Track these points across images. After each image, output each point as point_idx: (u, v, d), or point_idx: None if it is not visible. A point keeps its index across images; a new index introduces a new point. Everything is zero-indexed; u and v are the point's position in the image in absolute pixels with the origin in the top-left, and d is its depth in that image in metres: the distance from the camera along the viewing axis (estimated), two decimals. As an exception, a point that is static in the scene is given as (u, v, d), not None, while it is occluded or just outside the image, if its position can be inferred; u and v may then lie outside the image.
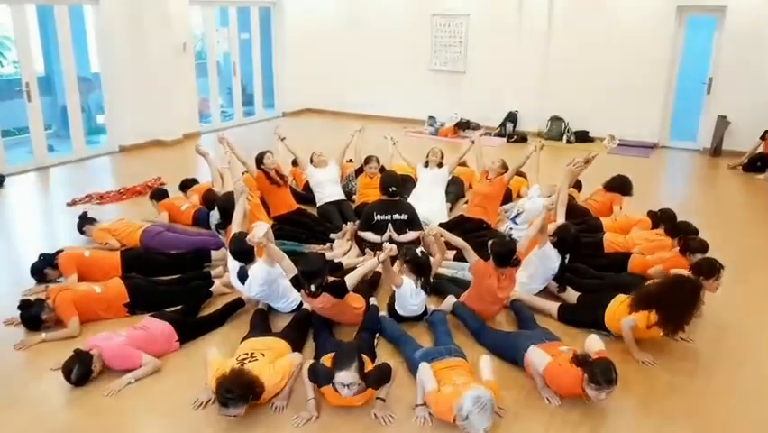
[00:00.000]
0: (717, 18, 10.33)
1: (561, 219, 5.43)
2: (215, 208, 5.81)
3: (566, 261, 5.04)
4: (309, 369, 3.69)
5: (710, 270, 4.67)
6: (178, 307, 4.80)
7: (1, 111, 10.84)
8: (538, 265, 4.99)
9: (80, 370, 3.88)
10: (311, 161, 7.13)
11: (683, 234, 5.38)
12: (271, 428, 3.59)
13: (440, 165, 7.04)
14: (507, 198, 7.06)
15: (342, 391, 3.48)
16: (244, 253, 4.62)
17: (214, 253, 5.74)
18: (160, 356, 4.19)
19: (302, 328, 4.50)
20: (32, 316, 4.52)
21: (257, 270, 4.56)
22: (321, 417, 3.64)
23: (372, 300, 4.84)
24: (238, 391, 3.47)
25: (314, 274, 4.22)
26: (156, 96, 10.42)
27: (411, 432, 3.57)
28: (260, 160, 6.53)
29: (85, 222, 6.21)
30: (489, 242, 4.65)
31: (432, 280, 4.79)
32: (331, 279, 4.38)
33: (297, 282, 4.41)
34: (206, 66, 12.06)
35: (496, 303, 4.70)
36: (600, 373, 3.57)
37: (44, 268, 5.26)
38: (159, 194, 6.97)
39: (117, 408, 3.74)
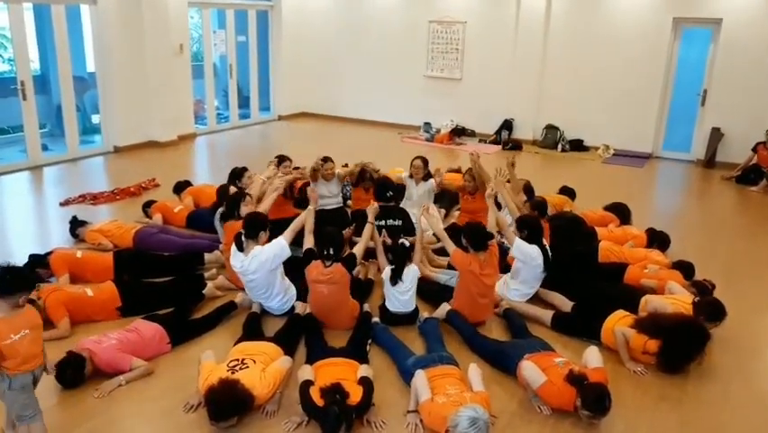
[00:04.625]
0: (713, 30, 10.40)
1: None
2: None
3: (548, 251, 5.01)
4: (301, 392, 3.62)
5: (715, 315, 4.55)
6: (170, 309, 4.76)
7: (-4, 109, 10.80)
8: (522, 268, 5.03)
9: (73, 372, 3.86)
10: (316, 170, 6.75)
11: (698, 287, 5.15)
12: (262, 431, 3.57)
13: (425, 178, 6.75)
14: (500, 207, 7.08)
15: None
16: (257, 224, 4.65)
17: (207, 256, 5.73)
18: (151, 359, 4.17)
19: (294, 333, 4.49)
20: None
21: (273, 245, 4.58)
22: (312, 421, 3.62)
23: (365, 307, 4.85)
24: (227, 406, 3.47)
25: (332, 240, 4.50)
26: (151, 97, 10.40)
27: (402, 439, 3.57)
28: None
29: (76, 225, 6.19)
30: (462, 234, 4.75)
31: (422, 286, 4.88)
32: None
33: (310, 254, 4.54)
34: (203, 68, 12.05)
35: (484, 294, 4.71)
36: (594, 400, 3.57)
37: (34, 268, 5.23)
38: (148, 204, 6.96)
39: (107, 409, 3.72)
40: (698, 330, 4.27)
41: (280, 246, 4.60)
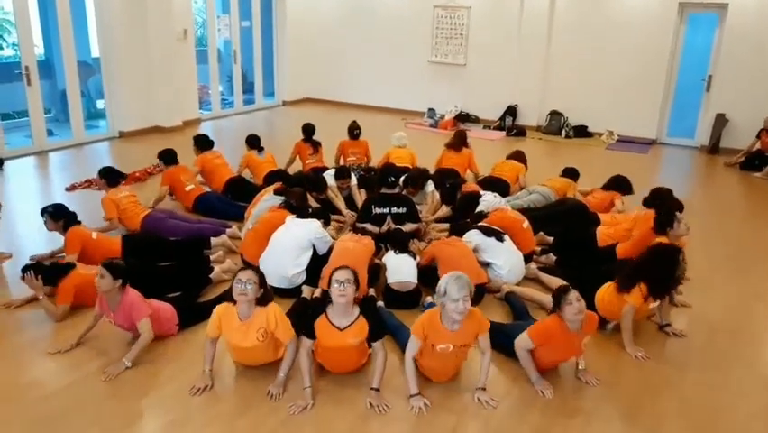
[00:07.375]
0: (719, 15, 10.35)
1: None
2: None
3: (485, 228, 5.37)
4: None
5: (668, 218, 4.90)
6: (178, 293, 4.82)
7: (0, 94, 10.81)
8: (479, 249, 5.23)
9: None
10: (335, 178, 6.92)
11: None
12: (267, 415, 3.62)
13: (421, 186, 6.86)
14: (506, 188, 7.12)
15: (338, 290, 3.61)
16: (324, 214, 5.45)
17: (213, 240, 5.77)
18: (159, 337, 4.21)
19: (300, 315, 4.53)
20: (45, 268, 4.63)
21: (326, 234, 5.24)
22: (316, 405, 3.67)
23: (371, 292, 4.89)
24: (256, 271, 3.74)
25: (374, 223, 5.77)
26: (156, 83, 10.43)
27: (406, 421, 3.61)
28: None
29: (114, 175, 6.17)
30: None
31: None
32: None
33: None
34: (207, 53, 12.05)
35: (462, 255, 4.97)
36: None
37: (53, 214, 5.25)
38: (168, 157, 6.96)
39: (115, 393, 3.77)
40: (664, 252, 4.35)
41: (328, 237, 5.23)
